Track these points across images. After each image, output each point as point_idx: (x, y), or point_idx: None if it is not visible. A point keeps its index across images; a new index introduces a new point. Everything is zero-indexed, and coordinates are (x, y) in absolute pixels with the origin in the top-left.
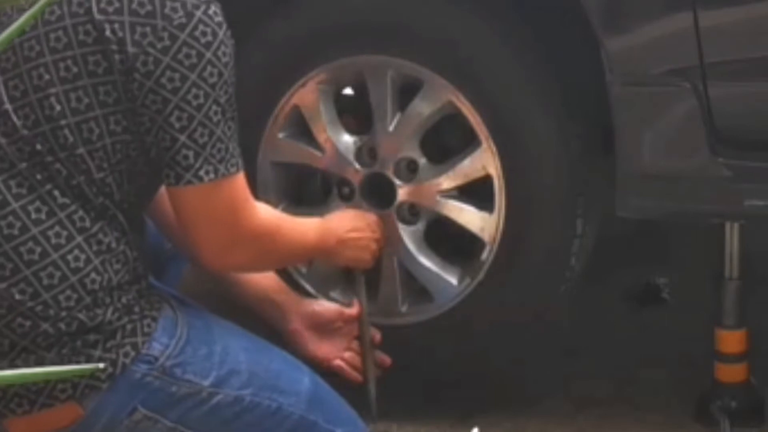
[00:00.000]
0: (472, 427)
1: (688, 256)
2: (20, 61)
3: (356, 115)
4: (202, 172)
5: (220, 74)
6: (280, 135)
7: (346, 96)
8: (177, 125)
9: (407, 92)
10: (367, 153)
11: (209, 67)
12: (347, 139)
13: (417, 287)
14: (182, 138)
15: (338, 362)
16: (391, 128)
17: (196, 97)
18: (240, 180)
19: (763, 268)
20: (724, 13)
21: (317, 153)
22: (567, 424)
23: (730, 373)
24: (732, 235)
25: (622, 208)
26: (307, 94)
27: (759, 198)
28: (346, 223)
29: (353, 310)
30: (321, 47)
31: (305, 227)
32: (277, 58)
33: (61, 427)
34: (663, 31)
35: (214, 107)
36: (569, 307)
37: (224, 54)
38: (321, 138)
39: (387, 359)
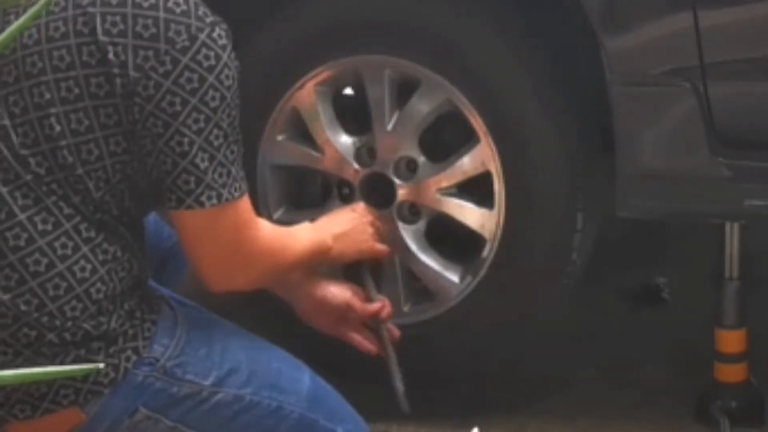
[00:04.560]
0: (472, 427)
1: (688, 256)
2: (21, 77)
3: (355, 115)
4: (203, 198)
5: (223, 98)
6: (279, 137)
7: (345, 96)
8: (177, 150)
9: (405, 91)
10: (366, 153)
11: (211, 91)
12: (346, 140)
13: (419, 286)
14: (183, 163)
15: (350, 333)
16: (389, 127)
17: (197, 121)
18: (244, 204)
19: (763, 268)
20: (724, 13)
21: (316, 154)
22: (567, 424)
23: (730, 373)
24: (732, 235)
25: (622, 208)
26: (306, 96)
27: (759, 198)
28: (332, 220)
29: (364, 305)
30: (318, 48)
31: (301, 235)
32: (274, 60)
33: None
34: (663, 31)
35: (216, 131)
36: (569, 307)
37: (227, 77)
38: (320, 139)
39: (396, 331)
